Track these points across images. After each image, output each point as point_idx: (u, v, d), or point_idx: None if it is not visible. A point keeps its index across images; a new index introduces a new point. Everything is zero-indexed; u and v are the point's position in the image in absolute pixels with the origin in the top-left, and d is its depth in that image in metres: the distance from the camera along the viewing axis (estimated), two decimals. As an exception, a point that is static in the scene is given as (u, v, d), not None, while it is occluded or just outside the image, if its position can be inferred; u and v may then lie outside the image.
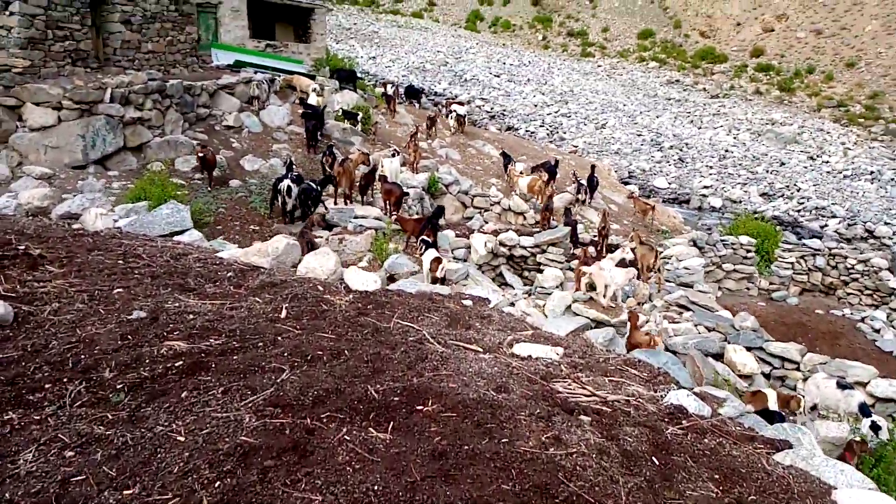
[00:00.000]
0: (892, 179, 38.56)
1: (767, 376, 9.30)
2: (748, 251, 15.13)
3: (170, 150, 15.47)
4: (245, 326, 4.06)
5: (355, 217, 12.85)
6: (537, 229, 16.95)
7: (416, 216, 13.75)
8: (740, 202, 35.27)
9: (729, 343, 9.43)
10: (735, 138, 45.51)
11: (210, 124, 17.39)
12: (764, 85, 60.21)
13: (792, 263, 15.55)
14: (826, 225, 32.31)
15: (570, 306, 8.82)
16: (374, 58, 54.55)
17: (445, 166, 19.13)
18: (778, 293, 15.33)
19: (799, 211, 34.23)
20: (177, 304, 4.20)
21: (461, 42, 66.05)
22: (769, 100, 57.37)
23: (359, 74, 31.35)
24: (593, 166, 22.32)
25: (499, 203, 17.15)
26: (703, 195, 36.02)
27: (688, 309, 11.30)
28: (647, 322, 10.25)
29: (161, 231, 6.63)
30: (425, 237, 11.20)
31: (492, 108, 45.85)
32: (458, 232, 15.95)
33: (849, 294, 15.51)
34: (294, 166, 14.04)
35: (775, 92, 58.52)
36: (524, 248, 12.86)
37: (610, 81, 59.67)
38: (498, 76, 54.52)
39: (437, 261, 9.95)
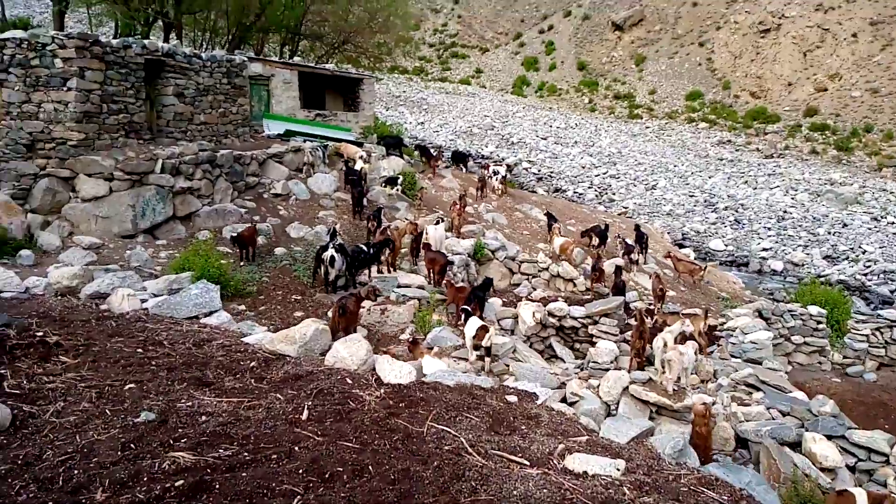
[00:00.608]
0: (965, 242, 36.38)
1: (852, 469, 8.27)
2: (818, 322, 14.06)
3: (218, 218, 15.57)
4: (260, 432, 3.60)
5: (398, 286, 12.48)
6: (588, 296, 16.27)
7: (460, 284, 13.29)
8: (803, 265, 33.66)
9: (807, 430, 8.48)
10: (793, 199, 44.02)
11: (259, 192, 17.55)
12: (820, 144, 58.58)
13: (867, 336, 14.36)
14: (896, 290, 30.51)
15: (627, 388, 8.11)
16: (422, 123, 55.62)
17: (492, 231, 18.76)
18: (853, 368, 14.10)
19: (866, 275, 32.40)
20: (189, 404, 3.80)
21: (508, 106, 66.95)
22: (826, 159, 55.70)
23: (407, 140, 31.76)
24: (637, 225, 21.71)
25: (547, 269, 16.58)
26: (763, 258, 34.56)
27: (758, 389, 10.35)
28: (713, 404, 9.38)
29: (188, 313, 6.32)
30: (466, 307, 10.62)
31: (539, 171, 45.75)
32: (505, 300, 15.39)
33: (933, 370, 14.18)
34: (338, 234, 13.87)
35: (832, 151, 56.83)
36: (575, 318, 12.18)
37: (659, 142, 59.16)
38: (545, 139, 54.70)
39: (484, 329, 9.25)
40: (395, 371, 4.54)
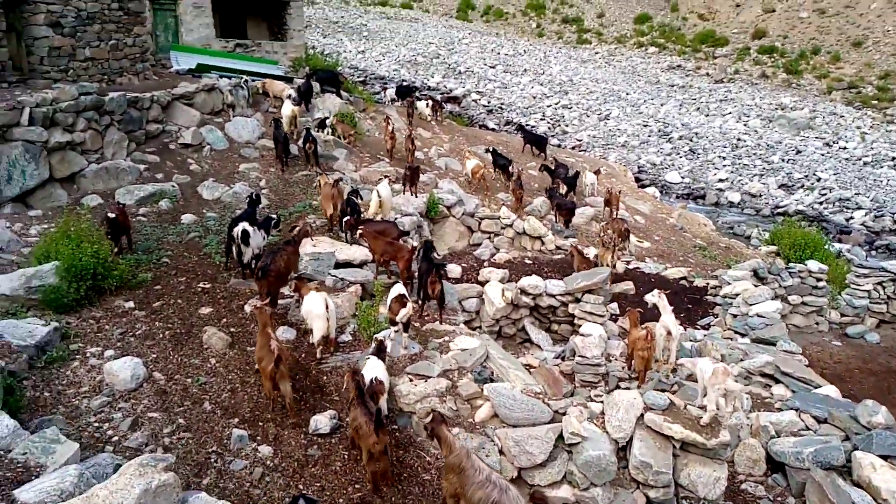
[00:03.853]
0: (917, 166, 36.02)
1: (915, 498, 6.62)
2: (818, 279, 12.42)
3: (109, 178, 12.67)
4: None
5: (336, 266, 9.95)
6: (559, 255, 14.24)
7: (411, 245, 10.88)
8: (760, 196, 32.64)
9: (857, 449, 6.73)
10: (746, 125, 42.89)
11: (163, 142, 14.55)
12: (769, 68, 57.36)
13: (868, 291, 12.86)
14: (852, 217, 29.85)
15: (641, 416, 6.12)
16: (362, 52, 51.63)
17: (446, 181, 16.32)
18: (853, 328, 12.61)
19: (822, 203, 31.67)
20: None
21: (453, 32, 63.09)
22: (776, 83, 54.60)
23: (348, 73, 28.38)
24: (521, 126, 20.52)
25: (511, 226, 14.37)
26: (720, 189, 33.38)
27: (777, 381, 8.58)
28: (734, 411, 7.52)
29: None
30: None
31: (489, 102, 43.00)
32: (465, 265, 13.21)
33: (938, 327, 12.85)
34: (259, 200, 11.06)
35: (782, 75, 55.70)
36: (552, 296, 10.11)
37: (609, 69, 56.85)
38: (493, 67, 51.63)
39: (400, 301, 7.81)
40: None
